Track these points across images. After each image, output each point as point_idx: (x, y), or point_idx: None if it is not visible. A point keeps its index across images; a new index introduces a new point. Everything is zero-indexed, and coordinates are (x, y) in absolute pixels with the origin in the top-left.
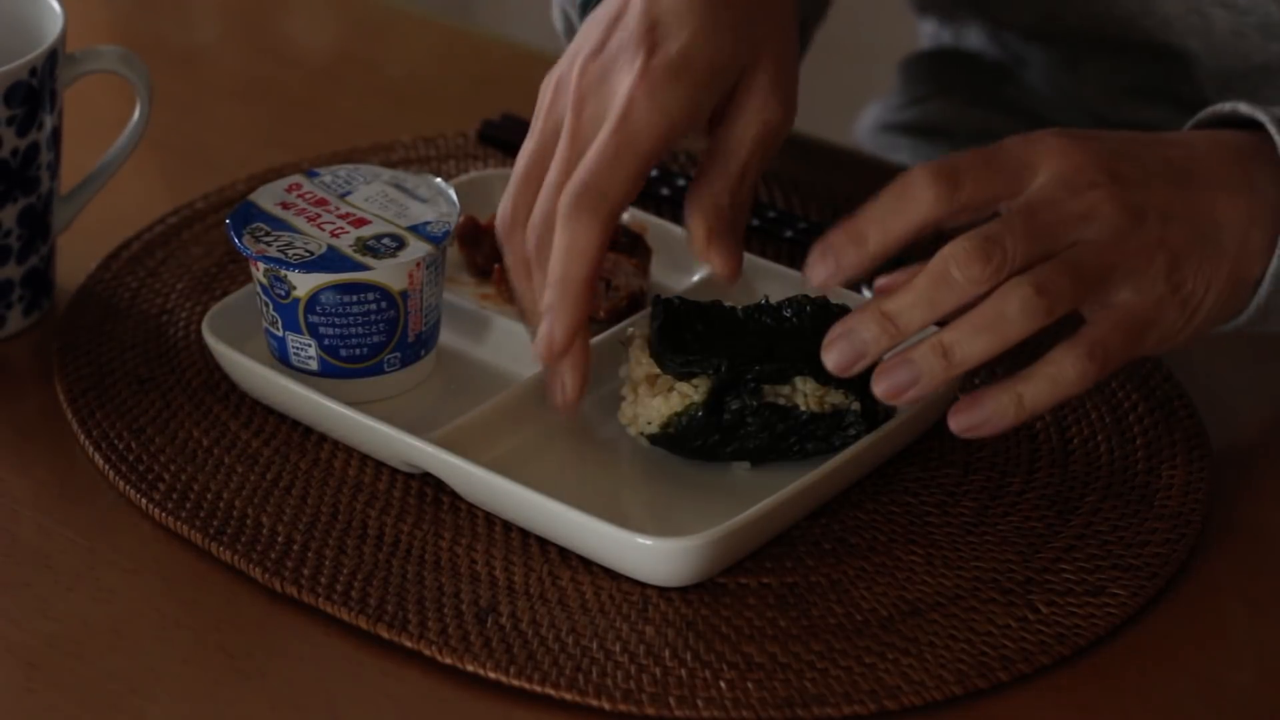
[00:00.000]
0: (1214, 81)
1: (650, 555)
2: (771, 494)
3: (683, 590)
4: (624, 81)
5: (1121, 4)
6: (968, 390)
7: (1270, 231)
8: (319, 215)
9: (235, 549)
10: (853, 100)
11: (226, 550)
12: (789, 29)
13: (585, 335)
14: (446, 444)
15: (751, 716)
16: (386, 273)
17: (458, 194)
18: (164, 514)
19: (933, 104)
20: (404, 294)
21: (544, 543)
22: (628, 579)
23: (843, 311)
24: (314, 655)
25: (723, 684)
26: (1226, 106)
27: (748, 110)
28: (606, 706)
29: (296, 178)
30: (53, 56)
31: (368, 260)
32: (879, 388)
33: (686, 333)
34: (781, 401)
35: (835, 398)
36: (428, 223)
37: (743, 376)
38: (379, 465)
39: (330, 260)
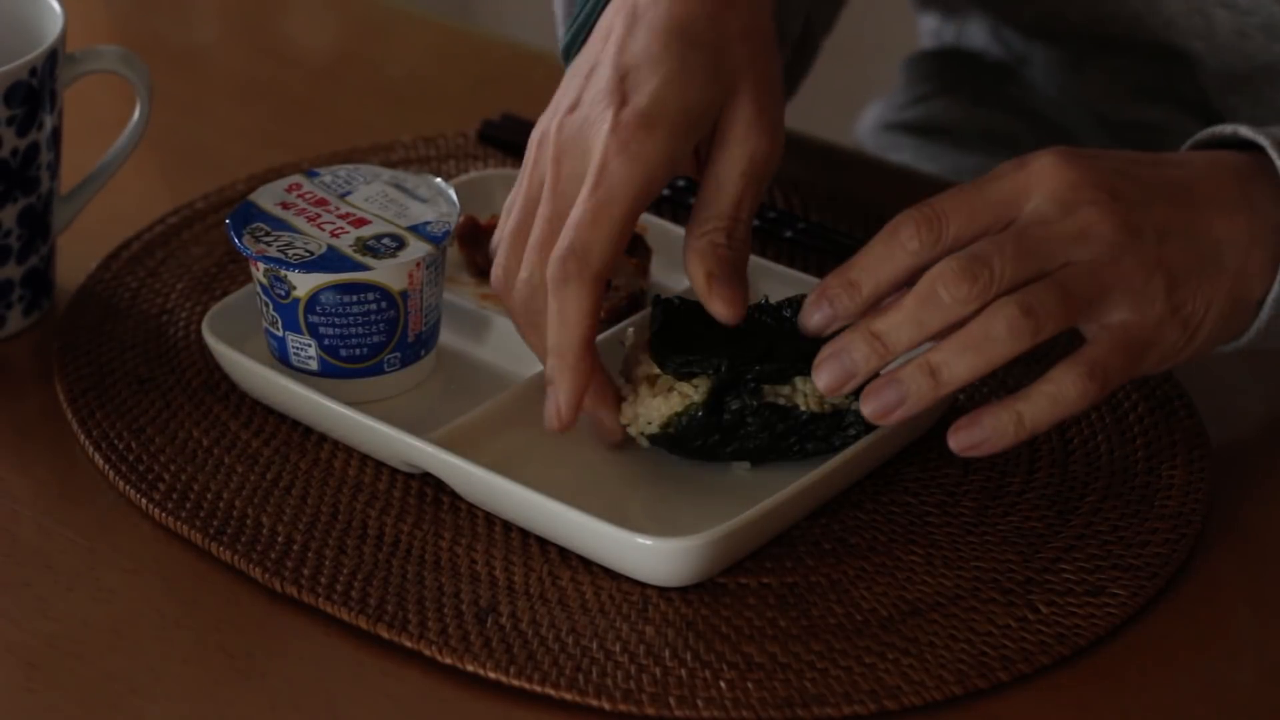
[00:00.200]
0: (1217, 81)
1: (650, 555)
2: (771, 494)
3: (683, 590)
4: (598, 137)
5: (1125, 4)
6: (959, 405)
7: (1271, 252)
8: (319, 215)
9: (235, 549)
10: (853, 99)
11: (226, 550)
12: (767, 54)
13: (594, 360)
14: (446, 444)
15: (751, 716)
16: (386, 273)
17: (458, 194)
18: (164, 514)
19: (935, 103)
20: (404, 294)
21: (544, 543)
22: (628, 579)
23: None
24: (314, 655)
25: (723, 684)
26: (1227, 129)
27: (731, 146)
28: (606, 706)
29: (296, 178)
30: (53, 56)
31: (368, 260)
32: (867, 408)
33: (686, 333)
34: (781, 401)
35: (835, 398)
36: (428, 223)
37: (743, 377)
38: (379, 465)
39: (330, 260)
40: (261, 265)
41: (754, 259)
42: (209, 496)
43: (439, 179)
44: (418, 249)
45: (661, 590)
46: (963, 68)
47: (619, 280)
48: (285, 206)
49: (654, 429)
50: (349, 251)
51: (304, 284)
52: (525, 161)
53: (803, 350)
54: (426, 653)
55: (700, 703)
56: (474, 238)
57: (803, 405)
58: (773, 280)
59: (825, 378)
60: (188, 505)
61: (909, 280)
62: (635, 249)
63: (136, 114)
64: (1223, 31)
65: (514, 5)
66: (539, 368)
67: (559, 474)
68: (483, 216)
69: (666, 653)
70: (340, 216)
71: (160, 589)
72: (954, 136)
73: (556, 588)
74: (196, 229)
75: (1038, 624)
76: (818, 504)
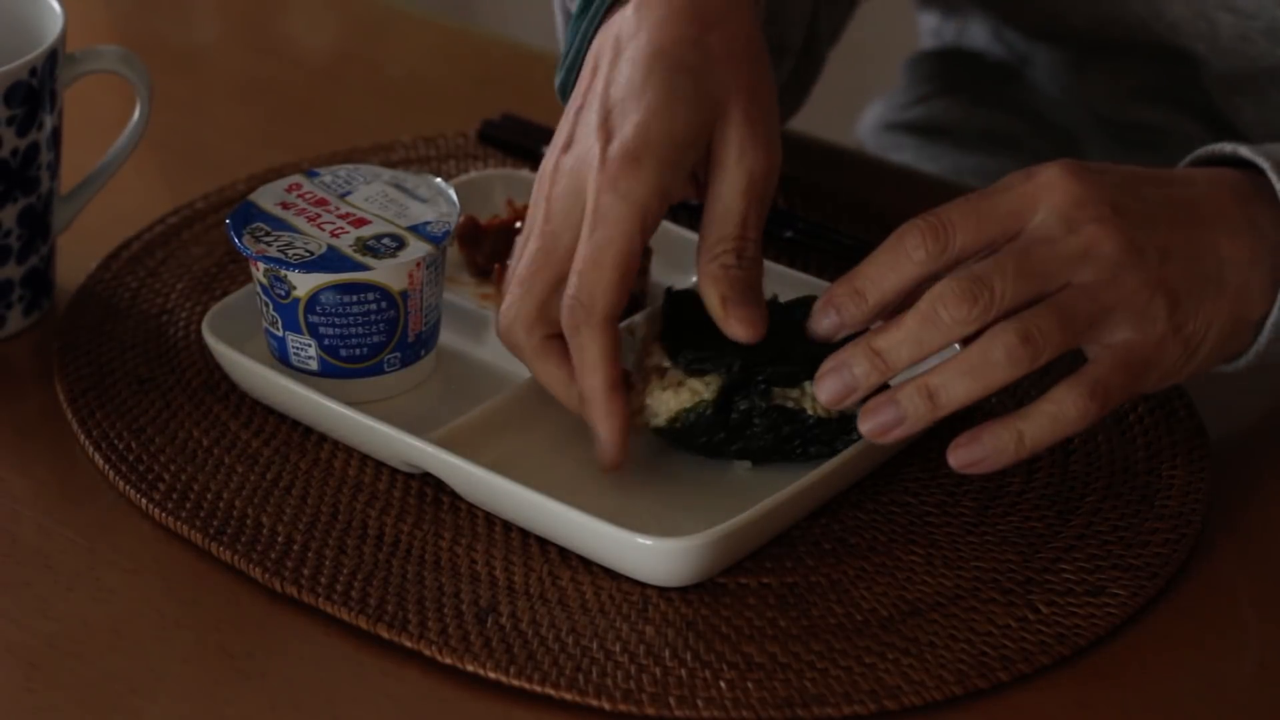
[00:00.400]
0: (1220, 83)
1: (650, 555)
2: (771, 494)
3: (683, 590)
4: (589, 176)
5: (1127, 7)
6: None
7: (1271, 272)
8: (319, 215)
9: (235, 549)
10: (854, 99)
11: (226, 550)
12: (755, 70)
13: (624, 398)
14: (446, 444)
15: (751, 716)
16: (386, 273)
17: (458, 194)
18: (164, 514)
19: (937, 103)
20: (404, 294)
21: (544, 543)
22: (628, 579)
23: None
24: (314, 655)
25: (723, 684)
26: (1227, 147)
27: (729, 166)
28: (606, 706)
29: (296, 178)
30: (53, 56)
31: (368, 260)
32: (865, 426)
33: (698, 325)
34: (790, 404)
35: None
36: (428, 223)
37: (754, 377)
38: (379, 465)
39: (330, 260)
40: (261, 265)
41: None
42: (209, 496)
43: (439, 179)
44: (418, 249)
45: (661, 590)
46: (964, 68)
47: None
48: (285, 206)
49: (661, 422)
50: (349, 251)
51: (304, 284)
52: (532, 200)
53: (813, 353)
54: (426, 653)
55: (700, 703)
56: (474, 238)
57: (810, 409)
58: (773, 280)
59: (826, 391)
60: (188, 505)
61: (915, 288)
62: None
63: (136, 114)
64: (1225, 35)
65: (514, 5)
66: None
67: (559, 474)
68: (483, 216)
69: (666, 653)
70: (340, 216)
71: (160, 589)
72: (955, 137)
73: (556, 588)
74: (196, 229)
75: (1038, 624)
76: (818, 504)
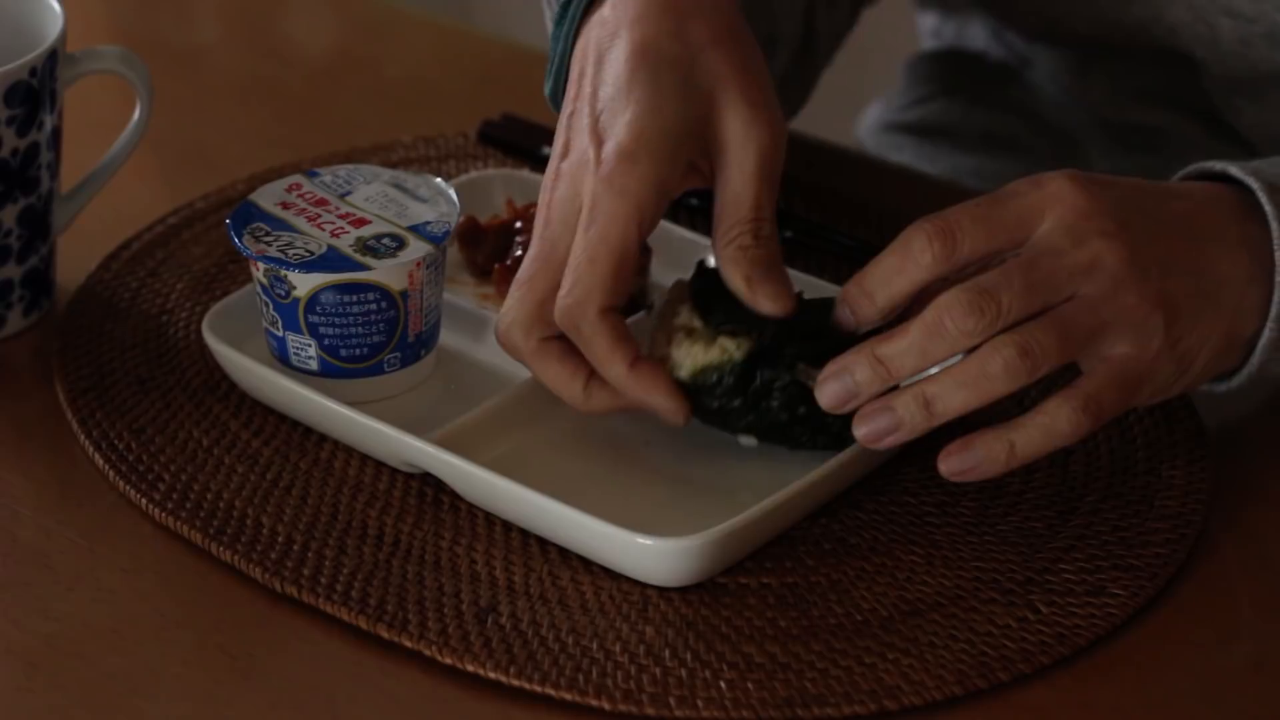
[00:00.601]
0: (1220, 87)
1: (650, 555)
2: (771, 494)
3: (683, 590)
4: (585, 181)
5: (1128, 12)
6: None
7: (1264, 290)
8: (319, 215)
9: (235, 549)
10: (854, 99)
11: (226, 550)
12: (743, 51)
13: (651, 370)
14: (446, 444)
15: (751, 716)
16: (386, 273)
17: (458, 194)
18: (164, 514)
19: (937, 104)
20: (404, 294)
21: (544, 543)
22: (628, 579)
23: None
24: (314, 655)
25: (723, 684)
26: (1217, 166)
27: (734, 149)
28: (606, 706)
29: (296, 178)
30: (53, 56)
31: (368, 260)
32: (860, 431)
33: (727, 297)
34: (811, 384)
35: None
36: (428, 223)
37: (784, 349)
38: (379, 465)
39: (330, 260)
40: (261, 265)
41: None
42: (209, 496)
43: (439, 179)
44: (418, 249)
45: (661, 590)
46: (964, 69)
47: None
48: (285, 206)
49: (683, 374)
50: (349, 251)
51: (304, 284)
52: (537, 209)
53: (843, 343)
54: (426, 653)
55: (700, 703)
56: (474, 238)
57: None
58: None
59: (827, 395)
60: (188, 505)
61: (920, 293)
62: None
63: (136, 114)
64: (1226, 40)
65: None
66: None
67: (559, 474)
68: (483, 216)
69: (666, 653)
70: (340, 216)
71: (160, 589)
72: (955, 137)
73: (556, 588)
74: (196, 229)
75: (1038, 624)
76: (818, 504)
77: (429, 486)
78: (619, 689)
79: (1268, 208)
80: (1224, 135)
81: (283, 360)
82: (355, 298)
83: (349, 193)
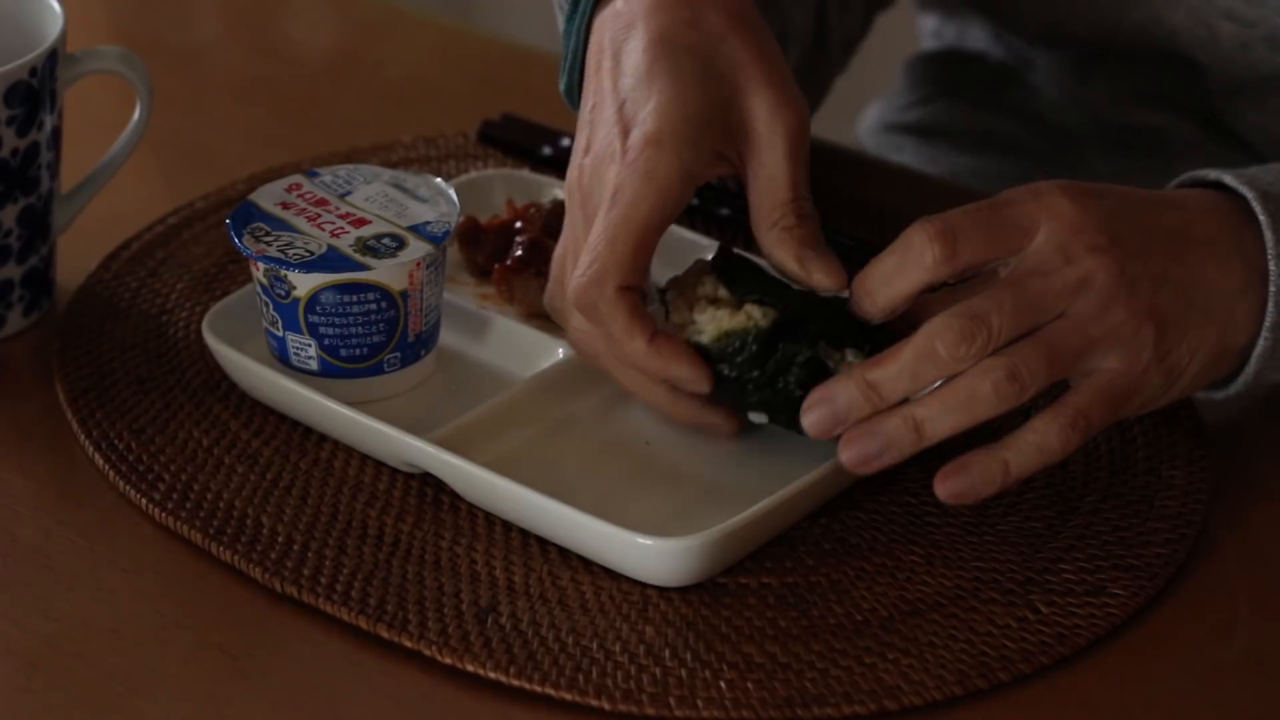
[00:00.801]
0: (1221, 89)
1: (650, 555)
2: (771, 494)
3: (683, 590)
4: (611, 170)
5: (1128, 16)
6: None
7: (1257, 300)
8: (319, 215)
9: (235, 549)
10: (854, 100)
11: (226, 550)
12: (759, 35)
13: (673, 344)
14: (446, 444)
15: (751, 716)
16: (386, 273)
17: (458, 194)
18: (164, 514)
19: (937, 105)
20: (404, 294)
21: (544, 543)
22: (628, 579)
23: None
24: (314, 655)
25: (723, 684)
26: (1211, 174)
27: (764, 134)
28: (606, 706)
29: (296, 178)
30: (53, 56)
31: (368, 260)
32: (846, 455)
33: (750, 272)
34: (830, 363)
35: None
36: (428, 223)
37: (807, 324)
38: (379, 465)
39: (330, 260)
40: (261, 265)
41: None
42: (209, 496)
43: (439, 179)
44: (418, 249)
45: (661, 590)
46: (964, 70)
47: None
48: (285, 206)
49: (705, 338)
50: (349, 251)
51: (304, 284)
52: (565, 215)
53: (865, 331)
54: (426, 653)
55: (700, 703)
56: (474, 238)
57: None
58: None
59: (813, 421)
60: (188, 505)
61: (920, 295)
62: None
63: (136, 114)
64: (1226, 43)
65: (514, 5)
66: (539, 368)
67: (559, 474)
68: (483, 216)
69: (666, 653)
70: (340, 216)
71: (160, 589)
72: (955, 138)
73: (556, 588)
74: (196, 229)
75: (1038, 624)
76: (818, 504)
77: (429, 486)
78: (619, 689)
79: (1262, 216)
80: (1225, 137)
81: (283, 360)
82: (355, 298)
83: (349, 193)
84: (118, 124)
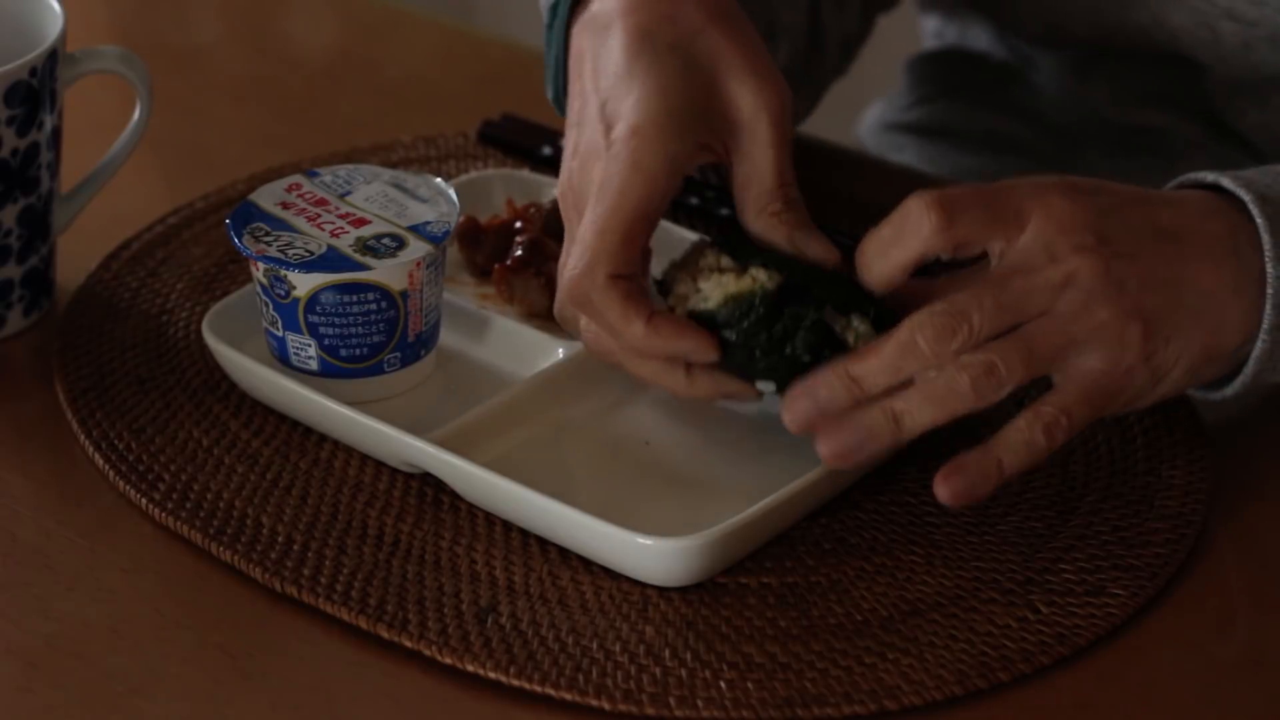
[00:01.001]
0: (1223, 89)
1: (650, 555)
2: (771, 494)
3: (683, 590)
4: (598, 166)
5: (1130, 17)
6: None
7: (1251, 301)
8: (319, 215)
9: (235, 549)
10: (855, 99)
11: (226, 550)
12: (737, 23)
13: (675, 323)
14: (446, 444)
15: (751, 716)
16: (386, 273)
17: (458, 194)
18: (164, 514)
19: (938, 105)
20: (404, 294)
21: (544, 543)
22: (628, 579)
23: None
24: (314, 655)
25: (723, 684)
26: (1209, 177)
27: (746, 119)
28: (606, 706)
29: (296, 178)
30: (53, 56)
31: (368, 260)
32: (824, 449)
33: (752, 247)
34: (836, 327)
35: None
36: (428, 223)
37: (812, 289)
38: (379, 465)
39: (330, 260)
40: (261, 265)
41: None
42: (209, 496)
43: (439, 179)
44: (418, 249)
45: (661, 590)
46: (966, 69)
47: None
48: (285, 206)
49: (711, 305)
50: (349, 251)
51: (304, 284)
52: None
53: (871, 297)
54: (426, 653)
55: (700, 703)
56: (474, 238)
57: (852, 343)
58: None
59: (793, 414)
60: (188, 505)
61: (916, 267)
62: None
63: (136, 114)
64: (1228, 44)
65: (514, 5)
66: (538, 367)
67: (559, 474)
68: (483, 216)
69: (666, 653)
70: (340, 216)
71: (160, 589)
72: (956, 138)
73: (556, 588)
74: (196, 229)
75: (1038, 624)
76: (818, 504)
77: (429, 486)
78: (619, 689)
79: (1259, 219)
80: (1227, 137)
81: (283, 360)
82: (355, 298)
83: (349, 193)
84: (118, 124)
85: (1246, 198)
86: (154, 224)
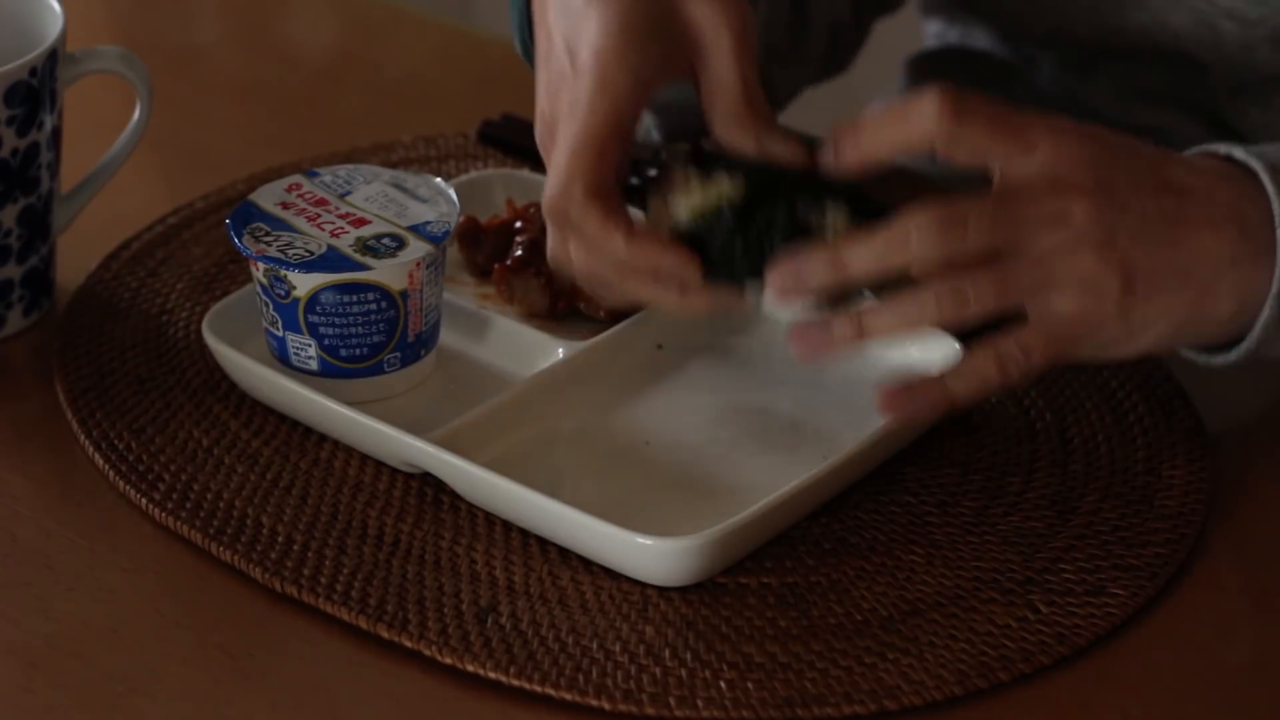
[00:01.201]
0: (1224, 89)
1: (650, 555)
2: (771, 494)
3: (683, 590)
4: (566, 93)
5: (1130, 18)
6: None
7: (1247, 274)
8: (319, 215)
9: (235, 549)
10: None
11: (226, 550)
12: None
13: (657, 242)
14: (446, 444)
15: (751, 716)
16: (386, 273)
17: (458, 194)
18: (164, 514)
19: None
20: (404, 294)
21: (544, 543)
22: (628, 579)
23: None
24: (314, 655)
25: (723, 684)
26: (1221, 149)
27: (707, 34)
28: (606, 706)
29: (296, 178)
30: (53, 56)
31: (368, 260)
32: (795, 346)
33: (719, 160)
34: (811, 220)
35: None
36: (428, 223)
37: (780, 185)
38: (379, 465)
39: (330, 260)
40: (261, 265)
41: None
42: (209, 496)
43: (439, 179)
44: (418, 249)
45: (661, 590)
46: (967, 69)
47: None
48: (285, 206)
49: (683, 220)
50: (349, 251)
51: (304, 284)
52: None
53: (842, 186)
54: (426, 653)
55: (700, 703)
56: (474, 238)
57: (830, 233)
58: None
59: (777, 279)
60: (188, 505)
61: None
62: None
63: (136, 114)
64: (1229, 44)
65: None
66: (539, 367)
67: (559, 474)
68: (483, 216)
69: (666, 653)
70: (340, 216)
71: (160, 589)
72: None
73: (556, 588)
74: (196, 229)
75: (1038, 624)
76: (818, 504)
77: (429, 486)
78: (619, 689)
79: (1269, 186)
80: (1228, 137)
81: (283, 360)
82: (355, 298)
83: (349, 193)
84: (118, 124)
85: (1258, 167)
86: (154, 224)
